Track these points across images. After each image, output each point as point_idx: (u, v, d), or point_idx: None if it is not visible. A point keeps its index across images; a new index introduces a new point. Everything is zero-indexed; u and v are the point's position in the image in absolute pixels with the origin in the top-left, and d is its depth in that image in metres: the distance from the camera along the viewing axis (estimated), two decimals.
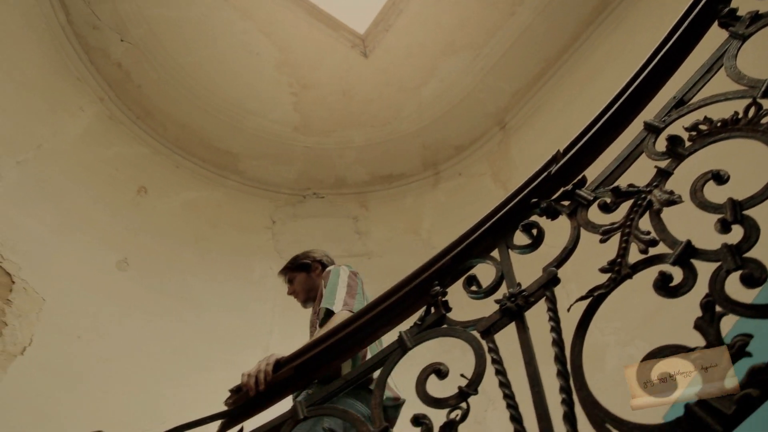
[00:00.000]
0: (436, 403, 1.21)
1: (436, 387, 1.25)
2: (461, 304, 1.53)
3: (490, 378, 1.25)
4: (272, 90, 5.24)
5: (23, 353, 3.44)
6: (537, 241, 1.42)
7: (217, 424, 1.50)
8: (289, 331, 4.01)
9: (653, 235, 1.18)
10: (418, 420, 1.19)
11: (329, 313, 2.04)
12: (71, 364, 3.59)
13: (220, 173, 5.43)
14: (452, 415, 1.16)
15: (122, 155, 4.84)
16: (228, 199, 5.35)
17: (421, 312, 1.43)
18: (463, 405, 1.18)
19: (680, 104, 1.38)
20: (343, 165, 5.69)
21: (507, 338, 1.28)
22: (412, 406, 1.27)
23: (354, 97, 5.36)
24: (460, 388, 1.20)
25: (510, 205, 1.50)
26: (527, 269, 1.49)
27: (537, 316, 1.30)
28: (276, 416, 1.39)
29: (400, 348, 1.36)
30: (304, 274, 2.68)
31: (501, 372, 1.18)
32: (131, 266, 4.31)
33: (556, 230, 1.51)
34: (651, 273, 1.14)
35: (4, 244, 3.65)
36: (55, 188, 4.15)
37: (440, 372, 1.25)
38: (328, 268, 2.41)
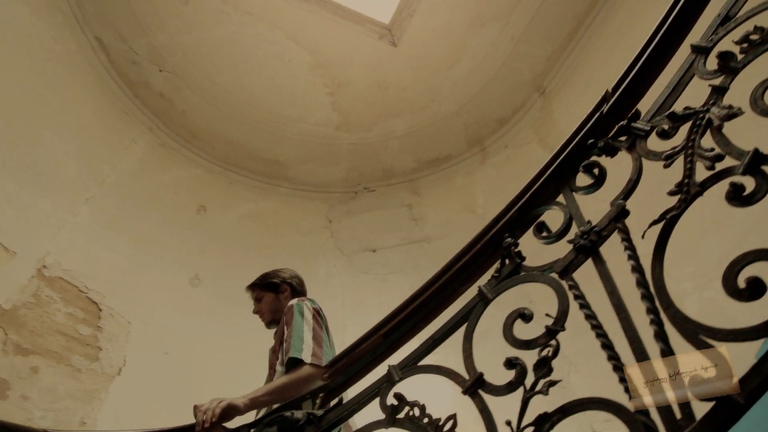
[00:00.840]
0: (526, 344, 1.25)
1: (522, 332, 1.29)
2: (532, 260, 1.56)
3: (569, 341, 1.27)
4: (309, 93, 5.35)
5: (120, 373, 3.66)
6: (600, 180, 1.44)
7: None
8: (363, 324, 4.10)
9: (717, 150, 1.19)
10: (510, 362, 1.23)
11: (296, 362, 2.01)
12: (163, 378, 3.79)
13: (272, 182, 5.58)
14: (543, 353, 1.20)
15: (178, 178, 5.05)
16: (283, 205, 5.50)
17: (496, 266, 1.47)
18: (553, 342, 1.22)
19: (726, 20, 1.37)
20: (389, 156, 5.75)
21: (583, 281, 1.31)
22: (501, 351, 1.30)
23: (389, 88, 5.41)
24: (547, 326, 1.23)
25: (567, 149, 1.52)
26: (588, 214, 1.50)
27: (608, 254, 1.31)
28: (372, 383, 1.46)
29: (482, 301, 1.40)
30: (273, 295, 2.64)
31: (585, 305, 1.21)
32: (203, 281, 4.50)
33: (615, 167, 1.53)
34: (721, 208, 1.15)
35: (87, 276, 3.87)
36: (123, 218, 4.37)
37: (525, 315, 1.29)
38: (290, 303, 2.36)
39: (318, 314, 2.32)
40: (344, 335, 4.42)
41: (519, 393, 1.20)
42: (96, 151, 4.53)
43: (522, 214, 1.51)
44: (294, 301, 2.37)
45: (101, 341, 3.72)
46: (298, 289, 2.72)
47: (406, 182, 5.77)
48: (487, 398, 1.25)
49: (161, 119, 5.22)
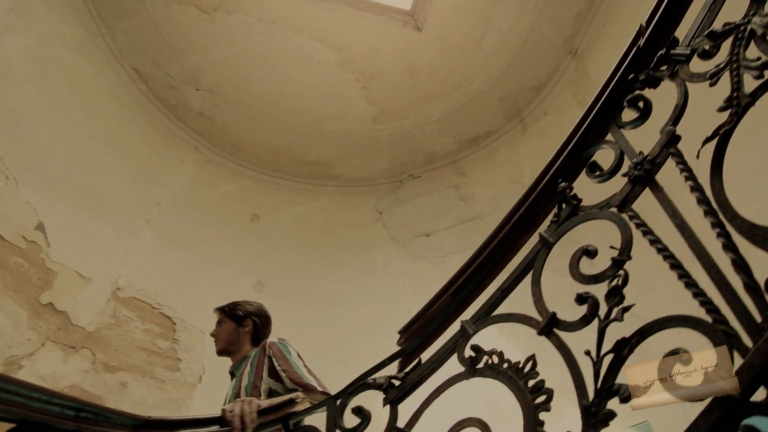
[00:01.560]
0: (594, 279, 1.26)
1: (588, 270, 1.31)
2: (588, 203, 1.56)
3: (634, 273, 1.27)
4: (342, 90, 5.43)
5: (201, 381, 3.82)
6: (646, 113, 1.44)
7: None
8: None
9: (764, 58, 1.18)
10: (581, 297, 1.25)
11: (308, 388, 2.06)
12: None
13: (318, 183, 5.69)
14: (614, 283, 1.21)
15: (229, 191, 5.21)
16: (332, 204, 5.59)
17: (554, 211, 1.49)
18: (621, 272, 1.23)
19: None
20: (429, 140, 5.77)
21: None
22: (568, 295, 1.32)
23: (420, 73, 5.43)
24: (613, 258, 1.25)
25: (609, 88, 1.52)
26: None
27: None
28: (446, 341, 1.50)
29: (545, 246, 1.42)
30: (234, 325, 2.62)
31: (648, 232, 1.22)
32: (266, 285, 4.64)
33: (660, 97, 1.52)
34: None
35: (158, 293, 4.06)
36: (183, 235, 4.55)
37: (589, 252, 1.31)
38: (272, 341, 2.41)
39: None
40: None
41: (593, 326, 1.22)
42: (148, 175, 4.73)
43: (572, 158, 1.52)
44: (275, 340, 2.43)
45: (179, 352, 3.89)
46: (260, 329, 2.69)
47: (450, 164, 5.77)
48: (562, 336, 1.28)
49: (204, 137, 5.40)
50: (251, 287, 4.58)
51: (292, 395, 1.75)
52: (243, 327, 2.62)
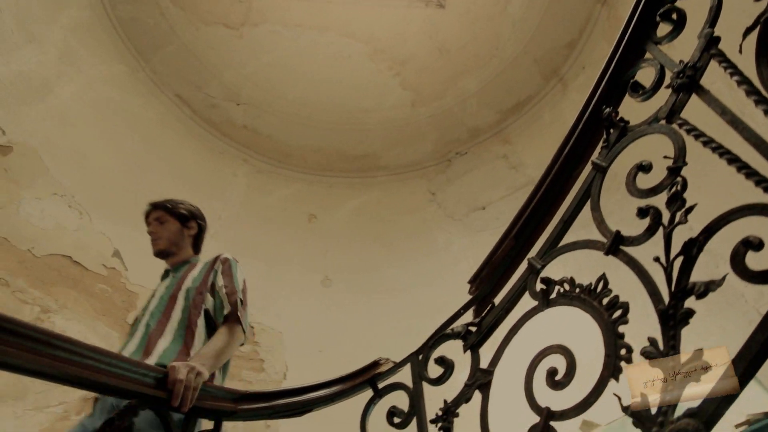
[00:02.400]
0: (653, 191, 1.27)
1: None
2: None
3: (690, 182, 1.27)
4: (376, 81, 5.49)
5: (285, 378, 3.96)
6: (680, 23, 1.43)
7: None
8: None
9: None
10: (642, 210, 1.25)
11: (234, 318, 2.00)
12: (322, 374, 4.05)
13: (368, 175, 5.77)
14: (673, 189, 1.22)
15: (283, 196, 5.36)
16: (384, 193, 5.67)
17: (602, 137, 1.50)
18: (678, 179, 1.23)
19: None
20: (470, 115, 5.75)
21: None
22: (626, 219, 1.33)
23: (450, 50, 5.43)
24: (668, 167, 1.25)
25: (640, 6, 1.52)
26: None
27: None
28: (516, 280, 1.53)
29: (599, 172, 1.43)
30: (179, 226, 2.40)
31: (700, 134, 1.22)
32: (333, 280, 4.75)
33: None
34: None
35: None
36: (246, 244, 4.72)
37: (643, 167, 1.31)
38: (225, 256, 2.27)
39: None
40: None
41: (658, 238, 1.22)
42: (206, 192, 4.92)
43: (613, 82, 1.53)
44: (230, 256, 2.29)
45: (261, 354, 4.05)
46: (202, 233, 2.52)
47: (495, 135, 5.74)
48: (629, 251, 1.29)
49: (251, 148, 5.57)
50: (319, 284, 4.71)
51: (377, 358, 1.80)
52: (188, 229, 2.43)
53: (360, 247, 5.12)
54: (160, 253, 2.36)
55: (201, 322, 2.03)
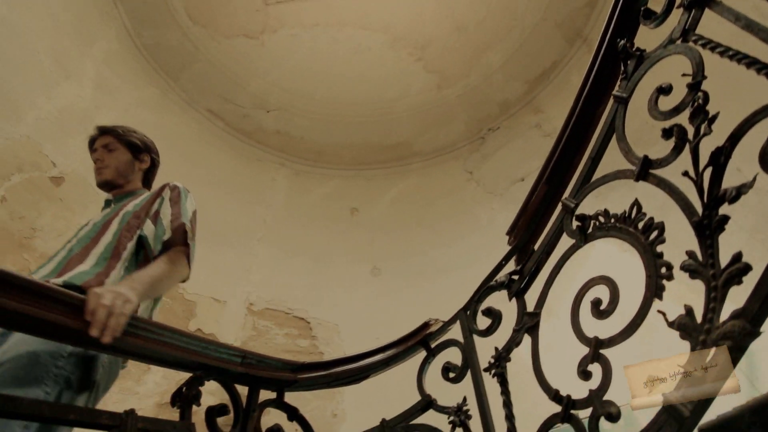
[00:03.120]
0: (676, 110, 1.27)
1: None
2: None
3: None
4: (399, 69, 5.52)
5: None
6: None
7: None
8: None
9: None
10: (667, 130, 1.25)
11: (175, 248, 1.79)
12: None
13: (404, 163, 5.81)
14: (695, 104, 1.22)
15: (323, 194, 5.46)
16: (422, 179, 5.69)
17: (620, 71, 1.50)
18: (699, 94, 1.23)
19: None
20: (498, 90, 5.72)
21: None
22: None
23: (468, 27, 5.41)
24: (688, 84, 1.25)
25: None
26: None
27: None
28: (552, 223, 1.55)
29: (620, 103, 1.43)
30: (130, 157, 2.15)
31: (717, 45, 1.21)
32: (382, 269, 4.81)
33: None
34: None
35: (286, 299, 4.35)
36: (294, 243, 4.83)
37: (663, 89, 1.31)
38: (175, 184, 2.04)
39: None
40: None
41: (686, 152, 1.22)
42: (248, 199, 5.06)
43: (625, 14, 1.52)
44: (180, 185, 2.06)
45: (320, 347, 4.14)
46: (154, 169, 2.31)
47: (525, 106, 5.69)
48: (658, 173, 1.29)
49: (286, 152, 5.68)
50: (369, 274, 4.78)
51: (426, 320, 1.83)
52: (140, 161, 2.20)
53: (404, 233, 5.17)
54: (104, 184, 2.10)
55: (131, 247, 1.77)
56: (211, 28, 5.10)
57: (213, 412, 1.27)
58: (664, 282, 1.19)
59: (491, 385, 1.51)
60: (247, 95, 5.46)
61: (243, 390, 1.44)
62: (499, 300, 1.67)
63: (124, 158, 2.13)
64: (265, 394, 1.52)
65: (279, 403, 1.53)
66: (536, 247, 1.59)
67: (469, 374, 1.57)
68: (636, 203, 1.31)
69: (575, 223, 1.45)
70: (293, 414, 1.56)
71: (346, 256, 4.89)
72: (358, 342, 4.21)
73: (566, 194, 1.58)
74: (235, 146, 5.45)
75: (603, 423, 1.18)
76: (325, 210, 5.34)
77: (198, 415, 1.24)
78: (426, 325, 1.77)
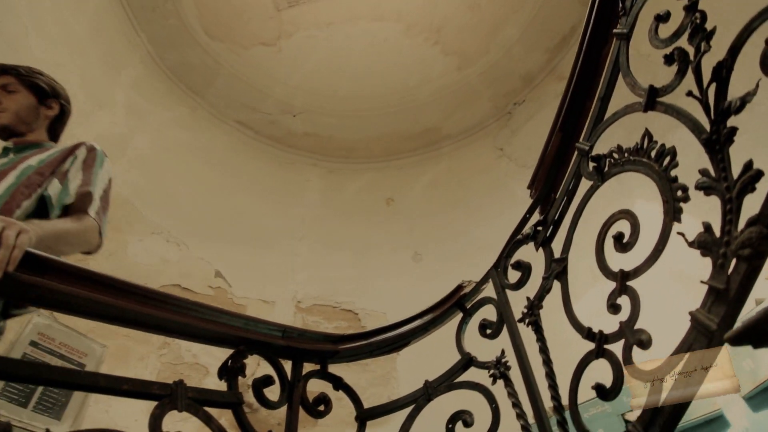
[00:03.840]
0: (675, 35, 1.26)
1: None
2: None
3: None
4: (418, 55, 5.53)
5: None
6: None
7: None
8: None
9: None
10: (668, 56, 1.25)
11: (80, 213, 1.61)
12: None
13: (435, 148, 5.82)
14: (693, 25, 1.21)
15: (357, 188, 5.54)
16: (454, 161, 5.69)
17: (618, 7, 1.49)
18: (697, 14, 1.22)
19: None
20: (519, 63, 5.66)
21: None
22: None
23: (480, 3, 5.37)
24: (684, 6, 1.24)
25: None
26: None
27: None
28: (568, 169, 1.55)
29: (623, 40, 1.43)
30: (34, 101, 1.88)
31: None
32: (423, 254, 4.85)
33: None
34: None
35: (332, 293, 4.44)
36: (333, 238, 4.92)
37: (661, 17, 1.31)
38: (92, 144, 1.82)
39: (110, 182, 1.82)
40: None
41: (689, 76, 1.22)
42: (285, 202, 5.18)
43: None
44: (99, 147, 1.84)
45: None
46: (63, 119, 2.01)
47: (548, 75, 5.62)
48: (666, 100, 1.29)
49: (317, 152, 5.78)
50: (411, 260, 4.82)
51: (459, 282, 1.86)
52: (47, 108, 1.93)
53: (442, 217, 5.19)
54: (1, 130, 1.84)
55: (27, 206, 1.55)
56: (229, 41, 5.23)
57: (260, 383, 1.33)
58: (681, 205, 1.19)
59: (527, 335, 1.52)
60: (272, 102, 5.57)
61: (288, 366, 1.50)
62: (528, 253, 1.68)
63: (26, 102, 1.86)
64: (309, 368, 1.58)
65: (323, 374, 1.58)
66: (557, 195, 1.60)
67: (505, 329, 1.59)
68: (647, 133, 1.31)
69: (591, 165, 1.45)
70: (338, 383, 1.62)
71: (387, 245, 4.95)
72: None
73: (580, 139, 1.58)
74: (267, 152, 5.57)
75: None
76: (361, 203, 5.41)
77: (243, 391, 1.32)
78: (459, 287, 1.80)
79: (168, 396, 1.08)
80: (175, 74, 5.20)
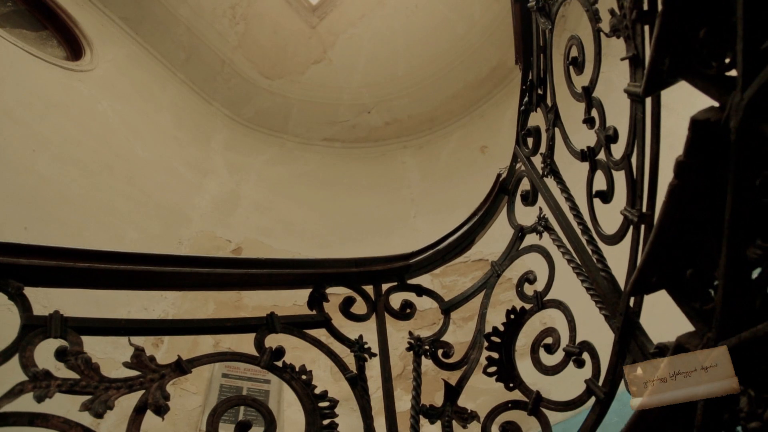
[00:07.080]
0: None
1: None
2: None
3: None
4: (453, 4, 5.56)
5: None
6: None
7: None
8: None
9: None
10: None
11: None
12: None
13: (506, 82, 5.81)
14: None
15: (451, 150, 5.76)
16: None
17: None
18: None
19: None
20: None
21: None
22: None
23: None
24: None
25: None
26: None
27: None
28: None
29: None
30: None
31: None
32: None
33: None
34: None
35: None
36: (446, 202, 5.16)
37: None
38: None
39: None
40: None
41: None
42: (390, 188, 5.51)
43: None
44: None
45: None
46: None
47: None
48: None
49: (403, 135, 6.11)
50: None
51: (498, 171, 2.01)
52: None
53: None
54: None
55: None
56: (286, 74, 5.72)
57: (347, 302, 1.62)
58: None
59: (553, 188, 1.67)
60: (344, 109, 5.96)
61: (369, 290, 1.77)
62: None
63: None
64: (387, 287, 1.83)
65: (402, 286, 1.82)
66: (532, 56, 1.73)
67: (539, 194, 1.74)
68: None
69: (542, 16, 1.58)
70: (419, 290, 1.85)
71: (455, 212, 5.10)
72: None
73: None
74: (358, 154, 5.97)
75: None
76: (458, 162, 5.58)
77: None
78: (498, 175, 1.96)
79: (265, 324, 1.40)
80: (254, 123, 5.79)
